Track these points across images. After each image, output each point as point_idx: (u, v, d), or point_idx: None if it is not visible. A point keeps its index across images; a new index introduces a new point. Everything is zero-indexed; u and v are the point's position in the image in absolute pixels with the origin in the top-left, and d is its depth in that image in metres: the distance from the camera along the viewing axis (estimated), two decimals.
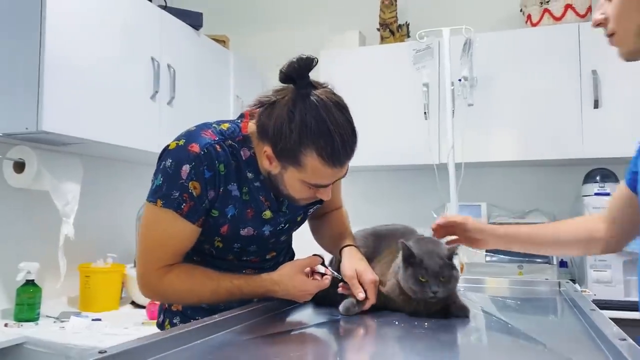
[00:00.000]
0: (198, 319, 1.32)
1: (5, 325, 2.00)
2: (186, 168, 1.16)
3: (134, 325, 2.05)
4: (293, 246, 1.54)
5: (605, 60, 2.60)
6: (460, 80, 2.13)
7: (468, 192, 2.90)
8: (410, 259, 1.17)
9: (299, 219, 1.41)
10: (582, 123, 2.64)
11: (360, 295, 1.21)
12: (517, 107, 2.73)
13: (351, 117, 1.14)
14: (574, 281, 2.63)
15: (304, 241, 1.52)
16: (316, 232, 1.54)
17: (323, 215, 1.53)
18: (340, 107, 1.13)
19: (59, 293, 2.34)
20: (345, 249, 1.34)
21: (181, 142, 1.19)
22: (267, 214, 1.29)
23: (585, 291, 2.07)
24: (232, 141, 1.23)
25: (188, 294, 1.24)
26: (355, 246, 1.36)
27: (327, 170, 1.14)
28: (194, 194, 1.17)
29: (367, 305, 1.22)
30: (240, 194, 1.24)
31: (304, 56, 1.12)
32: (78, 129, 2.04)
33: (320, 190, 1.21)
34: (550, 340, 0.97)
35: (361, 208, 3.12)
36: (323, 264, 1.28)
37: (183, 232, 1.21)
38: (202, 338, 0.98)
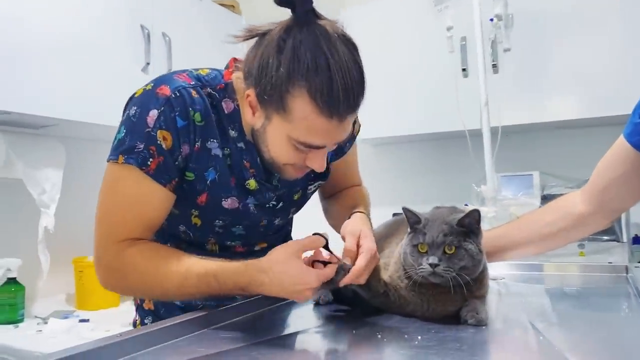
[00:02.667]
0: None
1: None
2: (153, 114, 0.95)
3: (121, 326, 1.81)
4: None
5: None
6: (492, 19, 1.72)
7: (516, 160, 2.48)
8: (415, 226, 0.93)
9: (295, 197, 1.14)
10: None
11: (349, 247, 0.97)
12: (570, 52, 2.24)
13: (361, 60, 0.91)
14: None
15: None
16: (327, 212, 1.29)
17: (337, 193, 1.30)
18: (348, 43, 0.90)
19: (54, 290, 2.15)
20: (355, 214, 1.11)
21: (149, 87, 0.99)
22: (252, 183, 1.06)
23: None
24: (211, 89, 1.01)
25: (150, 278, 0.97)
26: (367, 215, 1.13)
27: (320, 122, 0.88)
28: (164, 146, 0.95)
29: (354, 279, 0.93)
30: (223, 154, 1.02)
31: None
32: (48, 108, 1.81)
33: (312, 154, 0.94)
34: None
35: (395, 190, 2.79)
36: (327, 247, 0.95)
37: (150, 196, 0.97)
38: (165, 342, 0.82)
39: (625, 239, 2.11)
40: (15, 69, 1.72)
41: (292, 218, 1.26)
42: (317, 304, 1.10)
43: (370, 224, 1.12)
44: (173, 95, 0.96)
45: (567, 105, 2.30)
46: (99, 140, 2.43)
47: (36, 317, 1.95)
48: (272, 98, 0.90)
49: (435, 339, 0.81)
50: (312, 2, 0.90)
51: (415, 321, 0.92)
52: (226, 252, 1.11)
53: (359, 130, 1.23)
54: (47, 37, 1.82)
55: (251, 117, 0.97)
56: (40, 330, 1.77)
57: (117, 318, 1.95)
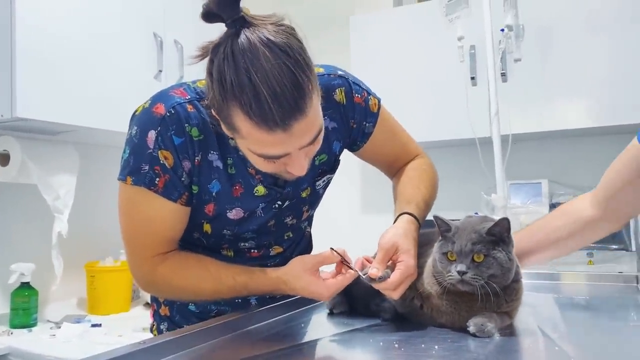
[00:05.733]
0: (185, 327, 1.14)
1: None
2: (152, 135, 0.96)
3: (133, 331, 1.83)
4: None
5: None
6: (503, 30, 1.73)
7: (525, 168, 2.49)
8: (445, 233, 0.95)
9: (304, 194, 1.13)
10: None
11: (372, 271, 0.95)
12: (579, 63, 2.27)
13: (295, 63, 0.84)
14: None
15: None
16: (394, 198, 1.24)
17: (398, 172, 1.25)
18: (275, 50, 0.84)
19: (66, 295, 2.17)
20: (402, 217, 1.07)
21: (146, 105, 1.00)
22: (260, 189, 1.06)
23: None
24: (206, 97, 0.98)
25: (185, 291, 1.07)
26: (414, 217, 1.07)
27: (265, 136, 0.85)
28: (167, 164, 0.97)
29: (388, 291, 0.95)
30: (225, 165, 1.03)
31: None
32: (64, 115, 1.84)
33: (286, 160, 0.91)
34: None
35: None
36: (345, 261, 1.00)
37: (164, 213, 1.01)
38: (182, 350, 0.83)
39: (634, 247, 2.11)
40: (31, 76, 1.74)
41: (311, 216, 1.25)
42: (330, 312, 1.11)
43: (420, 224, 1.07)
44: (168, 114, 0.96)
45: (575, 114, 2.32)
46: (111, 146, 2.45)
47: (49, 321, 1.97)
48: (222, 118, 0.90)
49: (451, 348, 0.82)
50: (239, 10, 0.86)
51: (432, 330, 0.93)
52: (241, 258, 1.12)
53: (378, 105, 1.16)
54: (62, 45, 1.85)
55: (226, 131, 0.95)
56: (54, 335, 1.78)
57: (129, 323, 1.97)
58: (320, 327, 1.05)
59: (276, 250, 1.18)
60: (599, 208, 1.08)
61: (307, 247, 1.30)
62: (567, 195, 2.33)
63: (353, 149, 1.21)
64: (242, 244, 1.14)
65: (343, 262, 1.00)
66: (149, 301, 2.17)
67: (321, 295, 1.00)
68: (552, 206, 2.30)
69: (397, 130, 1.23)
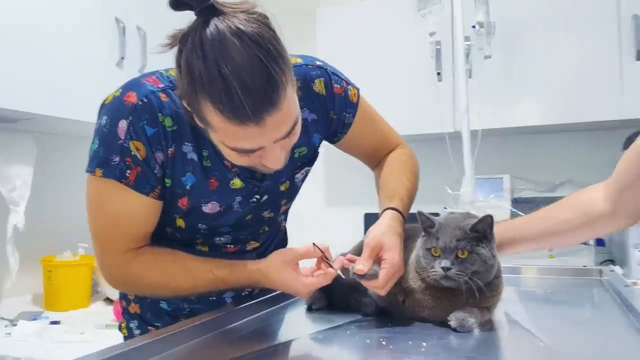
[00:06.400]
0: (158, 326, 1.12)
1: None
2: (123, 125, 0.92)
3: (95, 328, 1.77)
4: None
5: None
6: (474, 27, 1.75)
7: (487, 163, 2.54)
8: (428, 229, 0.96)
9: (282, 187, 1.11)
10: (622, 78, 2.24)
11: (359, 267, 0.94)
12: (543, 62, 2.33)
13: (267, 54, 0.81)
14: (612, 262, 2.27)
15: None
16: (377, 191, 1.22)
17: (380, 163, 1.24)
18: (245, 40, 0.80)
19: (21, 291, 2.07)
20: (386, 213, 1.05)
21: (117, 93, 0.95)
22: (236, 183, 1.03)
23: (636, 283, 1.70)
24: (177, 87, 0.94)
25: (160, 288, 1.03)
26: (400, 212, 1.06)
27: (237, 129, 0.82)
28: (138, 156, 0.93)
29: (375, 288, 0.95)
30: (200, 158, 0.99)
31: None
32: (20, 102, 1.74)
33: (261, 153, 0.88)
34: None
35: (366, 188, 2.79)
36: (326, 259, 0.98)
37: (136, 207, 0.97)
38: (159, 353, 0.78)
39: (592, 241, 2.19)
40: None
41: (287, 210, 1.23)
42: (309, 308, 1.10)
43: (404, 217, 1.06)
44: (140, 103, 0.93)
45: (536, 112, 2.38)
46: (72, 136, 2.37)
47: (3, 318, 1.87)
48: (193, 110, 0.87)
49: (439, 345, 0.82)
50: None
51: (416, 325, 0.94)
52: (217, 253, 1.09)
53: (357, 95, 1.15)
54: (18, 29, 1.75)
55: (198, 122, 0.90)
56: (9, 333, 1.70)
57: (89, 319, 1.90)
58: (301, 323, 1.04)
59: (252, 245, 1.16)
60: (612, 201, 1.02)
61: (282, 242, 1.27)
62: (528, 190, 2.39)
63: (333, 140, 1.19)
64: (217, 238, 1.11)
65: (324, 260, 0.99)
66: (110, 297, 2.12)
67: (299, 292, 1.00)
68: (514, 201, 2.36)
69: (377, 120, 1.22)
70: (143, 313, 1.16)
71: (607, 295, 1.22)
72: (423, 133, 2.44)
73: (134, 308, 1.18)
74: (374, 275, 0.94)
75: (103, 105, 0.97)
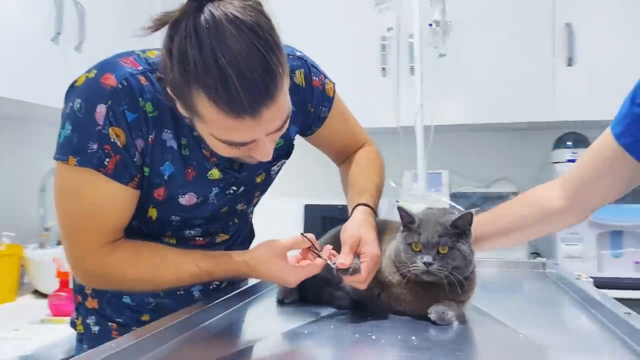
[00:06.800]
0: (119, 322, 1.07)
1: None
2: (101, 109, 0.86)
3: (29, 324, 1.64)
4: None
5: (581, 12, 2.35)
6: (431, 25, 1.79)
7: (434, 160, 2.62)
8: (408, 224, 0.96)
9: (258, 179, 1.08)
10: (554, 82, 2.39)
11: (341, 261, 0.94)
12: (482, 63, 2.44)
13: (266, 44, 0.78)
14: (539, 255, 2.42)
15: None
16: (343, 187, 1.24)
17: (347, 160, 1.24)
18: (243, 29, 0.77)
19: None
20: (358, 209, 1.06)
21: (91, 75, 0.90)
22: (214, 173, 1.00)
23: (581, 276, 1.81)
24: (160, 73, 0.90)
25: (140, 283, 0.98)
26: (371, 208, 1.08)
27: (232, 122, 0.79)
28: (118, 143, 0.88)
29: (357, 282, 0.95)
30: (179, 146, 0.95)
31: None
32: None
33: (251, 145, 0.86)
34: None
35: (306, 180, 2.80)
36: (314, 249, 0.98)
37: (114, 199, 0.92)
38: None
39: None
40: None
41: (257, 203, 1.21)
42: (281, 302, 1.09)
43: (375, 213, 1.08)
44: (120, 86, 0.87)
45: (473, 110, 2.48)
46: (1, 117, 2.18)
47: None
48: (181, 100, 0.83)
49: (429, 338, 0.84)
50: None
51: (400, 319, 0.95)
52: (185, 246, 1.04)
53: (333, 90, 1.15)
54: None
55: (182, 111, 0.87)
56: None
57: (20, 314, 1.75)
58: (277, 318, 1.03)
59: (222, 237, 1.13)
60: (567, 199, 1.07)
61: (249, 234, 1.25)
62: (465, 186, 2.49)
63: (306, 133, 1.18)
64: (188, 231, 1.07)
65: (312, 250, 0.98)
66: (41, 290, 1.97)
67: (287, 281, 0.98)
68: (452, 195, 2.45)
69: (349, 117, 1.23)
70: (102, 308, 1.10)
71: (554, 287, 1.29)
72: (370, 127, 2.47)
73: (91, 303, 1.11)
74: (356, 270, 0.94)
75: (73, 88, 0.91)
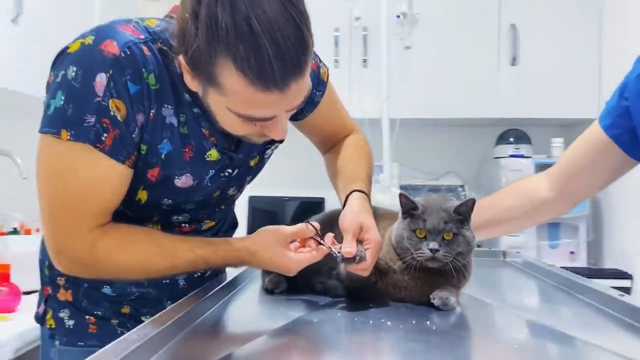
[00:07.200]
0: (97, 314, 1.00)
1: None
2: (102, 79, 0.79)
3: None
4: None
5: (525, 13, 2.47)
6: (398, 16, 1.80)
7: (376, 151, 2.65)
8: (410, 211, 0.94)
9: (252, 162, 1.04)
10: (498, 81, 2.50)
11: (347, 249, 0.90)
12: (431, 59, 2.50)
13: (300, 13, 0.75)
14: (479, 247, 2.52)
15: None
16: (329, 173, 1.20)
17: (334, 147, 1.20)
18: None
19: None
20: (353, 195, 1.02)
21: (88, 40, 0.81)
22: (213, 154, 0.94)
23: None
24: (162, 44, 0.83)
25: (133, 270, 0.90)
26: (366, 194, 1.04)
27: (257, 95, 0.75)
28: (118, 117, 0.81)
29: (361, 270, 0.92)
30: (178, 123, 0.89)
31: None
32: None
33: (266, 125, 0.83)
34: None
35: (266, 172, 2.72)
36: (317, 236, 0.95)
37: (109, 177, 0.84)
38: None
39: None
40: None
41: (242, 190, 1.15)
42: (271, 292, 1.05)
43: (369, 198, 1.06)
44: (122, 54, 0.80)
45: (421, 105, 2.54)
46: None
47: None
48: (200, 69, 0.78)
49: (447, 323, 0.85)
50: None
51: (398, 306, 0.94)
52: (170, 232, 0.98)
53: (327, 74, 1.12)
54: None
55: (191, 83, 0.83)
56: None
57: None
58: (281, 308, 0.98)
59: (208, 224, 1.08)
60: (554, 189, 1.11)
61: (233, 222, 1.21)
62: (415, 179, 2.55)
63: (297, 117, 1.14)
64: (176, 217, 1.01)
65: (314, 238, 0.95)
66: None
67: (290, 268, 0.94)
68: (402, 187, 2.49)
69: (339, 103, 1.20)
70: (77, 300, 1.01)
71: (523, 274, 1.33)
72: None
73: (64, 295, 1.02)
74: (362, 258, 0.93)
75: (67, 54, 0.82)
